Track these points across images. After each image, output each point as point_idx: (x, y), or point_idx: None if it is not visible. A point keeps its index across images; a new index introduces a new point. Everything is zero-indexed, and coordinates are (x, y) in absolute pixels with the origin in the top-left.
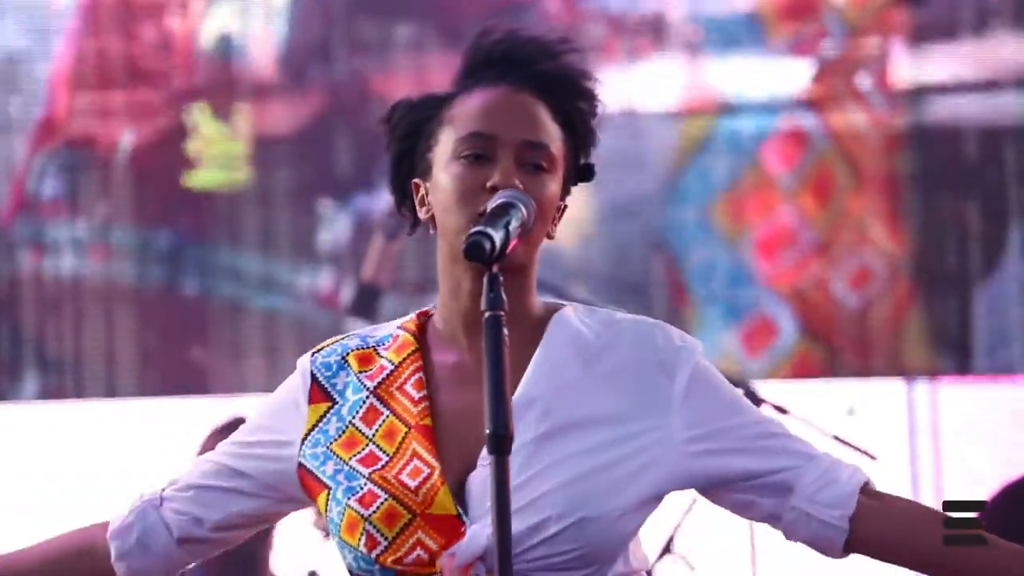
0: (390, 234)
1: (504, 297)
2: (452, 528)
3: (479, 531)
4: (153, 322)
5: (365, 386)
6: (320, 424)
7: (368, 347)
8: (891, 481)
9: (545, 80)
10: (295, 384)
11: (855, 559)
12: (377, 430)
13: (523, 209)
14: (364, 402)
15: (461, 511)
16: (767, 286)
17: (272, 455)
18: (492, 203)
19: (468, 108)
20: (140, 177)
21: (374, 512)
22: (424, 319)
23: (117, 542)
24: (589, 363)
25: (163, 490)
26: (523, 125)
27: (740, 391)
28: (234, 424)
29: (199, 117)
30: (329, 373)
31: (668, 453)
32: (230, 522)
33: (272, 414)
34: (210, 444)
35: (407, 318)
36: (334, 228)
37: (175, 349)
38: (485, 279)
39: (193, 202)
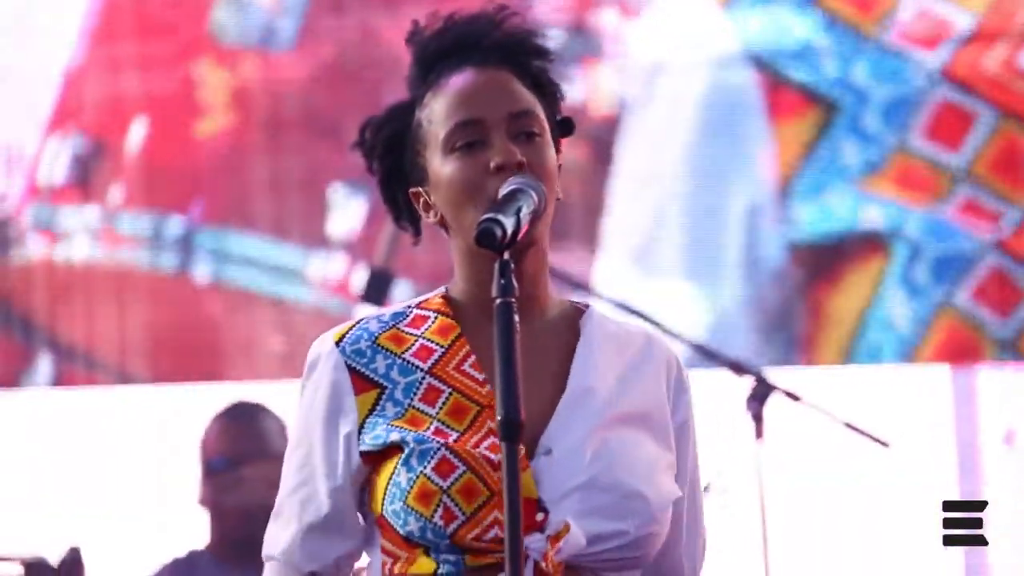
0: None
1: (515, 284)
2: (529, 511)
3: (556, 521)
4: (165, 308)
5: (416, 367)
6: (374, 412)
7: (390, 327)
8: None
9: (503, 50)
10: (334, 381)
11: (865, 557)
12: (441, 408)
13: (533, 194)
14: (421, 383)
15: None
16: None
17: (339, 452)
18: (502, 190)
19: (445, 100)
20: (152, 163)
21: (453, 484)
22: (448, 300)
23: None
24: (623, 362)
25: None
26: (503, 99)
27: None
28: (236, 408)
29: (207, 68)
30: (364, 360)
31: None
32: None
33: (328, 418)
34: (213, 429)
35: (424, 298)
36: (347, 213)
37: (187, 336)
38: (496, 265)
39: (206, 187)
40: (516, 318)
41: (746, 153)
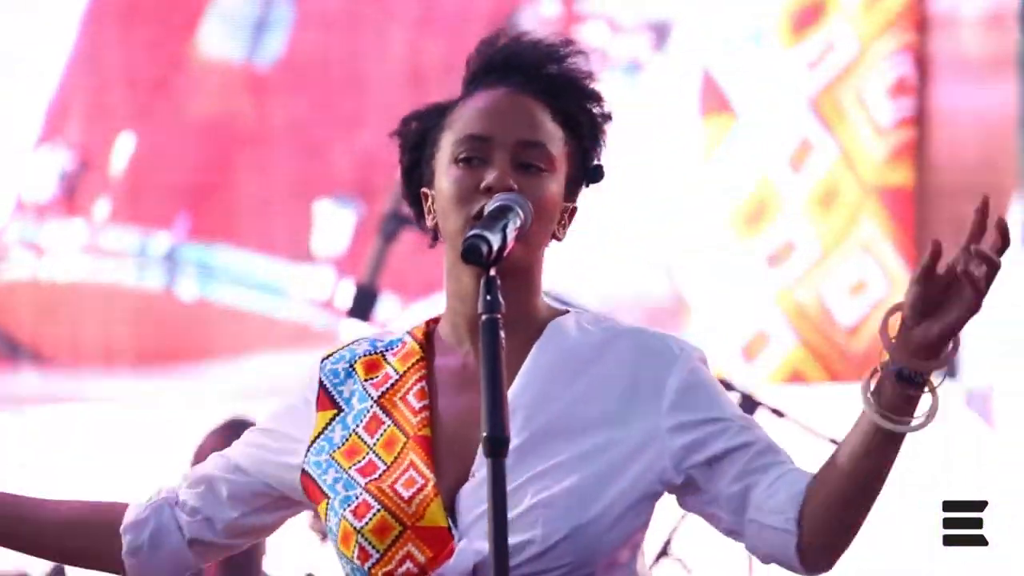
0: (388, 235)
1: (502, 300)
2: (442, 541)
3: (466, 548)
4: (150, 324)
5: (370, 395)
6: (325, 431)
7: (376, 352)
8: None
9: (545, 82)
10: (305, 388)
11: (856, 563)
12: (378, 439)
13: (520, 212)
14: (368, 411)
15: (452, 524)
16: None
17: (279, 452)
18: (489, 206)
19: (465, 112)
20: (137, 179)
21: (366, 524)
22: (432, 326)
23: (130, 536)
24: (580, 370)
25: (179, 487)
26: (518, 125)
27: (735, 397)
28: (230, 426)
29: (193, 84)
30: (337, 380)
31: (654, 444)
32: (239, 524)
33: (283, 416)
34: (206, 445)
35: (417, 324)
36: (333, 230)
37: (173, 350)
38: (482, 282)
39: (191, 202)
40: (502, 334)
41: None
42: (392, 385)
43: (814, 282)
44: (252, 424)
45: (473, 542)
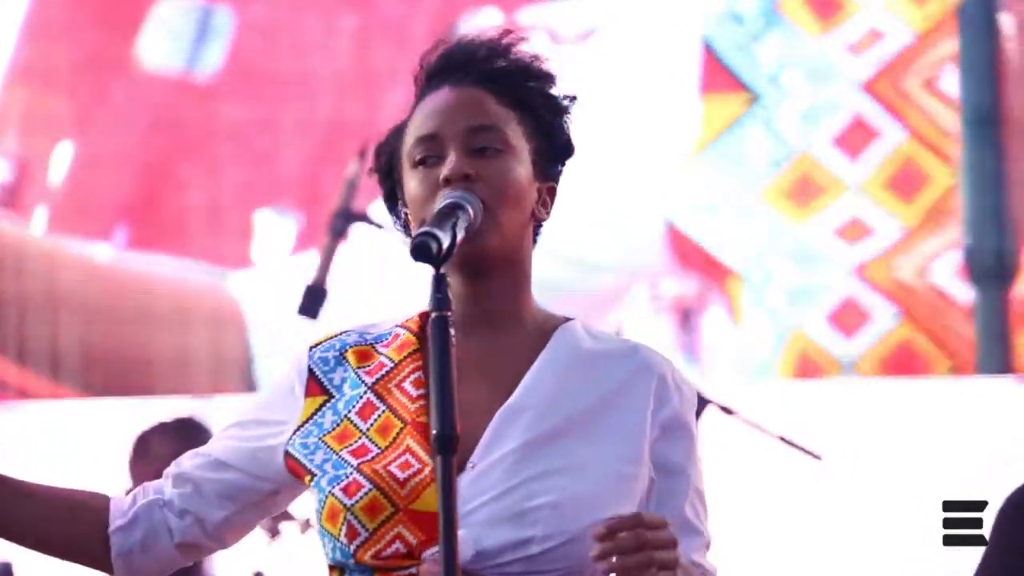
0: (337, 233)
1: (451, 297)
2: (434, 525)
3: (466, 538)
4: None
5: (363, 382)
6: (315, 416)
7: (366, 343)
8: None
9: (485, 72)
10: (291, 375)
11: (856, 563)
12: (372, 424)
13: (469, 209)
14: (361, 397)
15: None
16: None
17: (261, 438)
18: (437, 204)
19: (415, 119)
20: (77, 189)
21: (357, 502)
22: (426, 319)
23: (119, 537)
24: (595, 378)
25: (164, 486)
26: (463, 114)
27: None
28: (180, 425)
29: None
30: (327, 368)
31: (635, 460)
32: (229, 522)
33: (266, 403)
34: (151, 442)
35: (408, 316)
36: (273, 239)
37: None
38: (431, 280)
39: (131, 212)
40: (452, 332)
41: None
42: (387, 373)
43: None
44: (201, 425)
45: (472, 531)
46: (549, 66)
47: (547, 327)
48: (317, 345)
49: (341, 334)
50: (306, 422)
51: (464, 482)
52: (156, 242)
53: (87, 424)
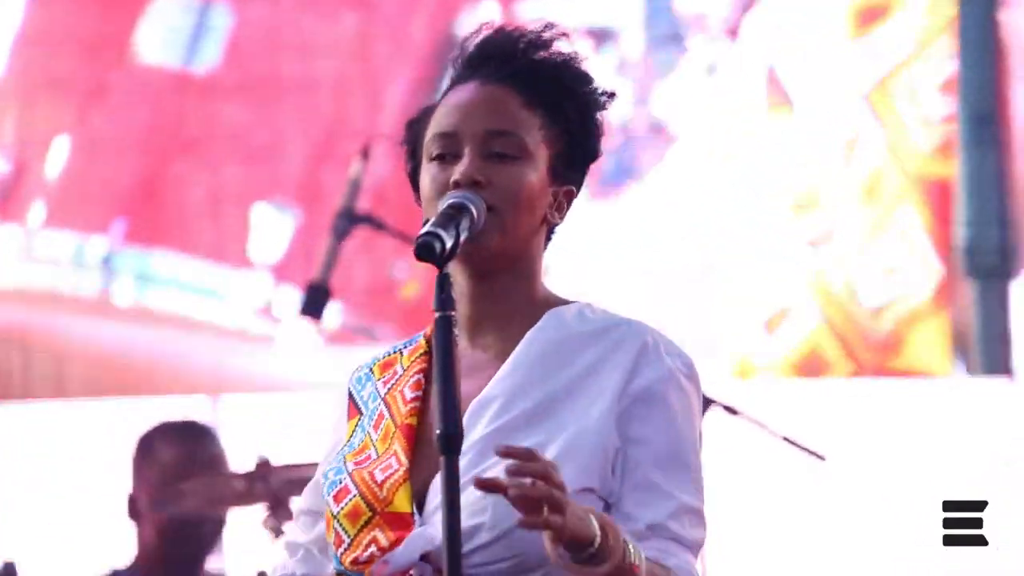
0: (340, 233)
1: (454, 297)
2: (405, 527)
3: (418, 535)
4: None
5: (379, 393)
6: (353, 437)
7: (394, 352)
8: None
9: (517, 69)
10: (339, 403)
11: (817, 560)
12: (379, 433)
13: (473, 210)
14: (377, 409)
15: (416, 511)
16: None
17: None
18: (442, 204)
19: (440, 110)
20: (73, 183)
21: (342, 509)
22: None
23: None
24: (568, 360)
25: (287, 560)
26: (485, 116)
27: (696, 436)
28: (185, 427)
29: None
30: (360, 387)
31: (599, 433)
32: None
33: (331, 438)
34: (155, 443)
35: None
36: (271, 235)
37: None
38: (436, 280)
39: (128, 207)
40: (455, 331)
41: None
42: (396, 380)
43: (848, 266)
44: (206, 427)
45: (427, 529)
46: (585, 66)
47: (541, 315)
48: (360, 366)
49: (386, 350)
50: (347, 444)
51: (436, 482)
52: (154, 236)
53: (90, 424)
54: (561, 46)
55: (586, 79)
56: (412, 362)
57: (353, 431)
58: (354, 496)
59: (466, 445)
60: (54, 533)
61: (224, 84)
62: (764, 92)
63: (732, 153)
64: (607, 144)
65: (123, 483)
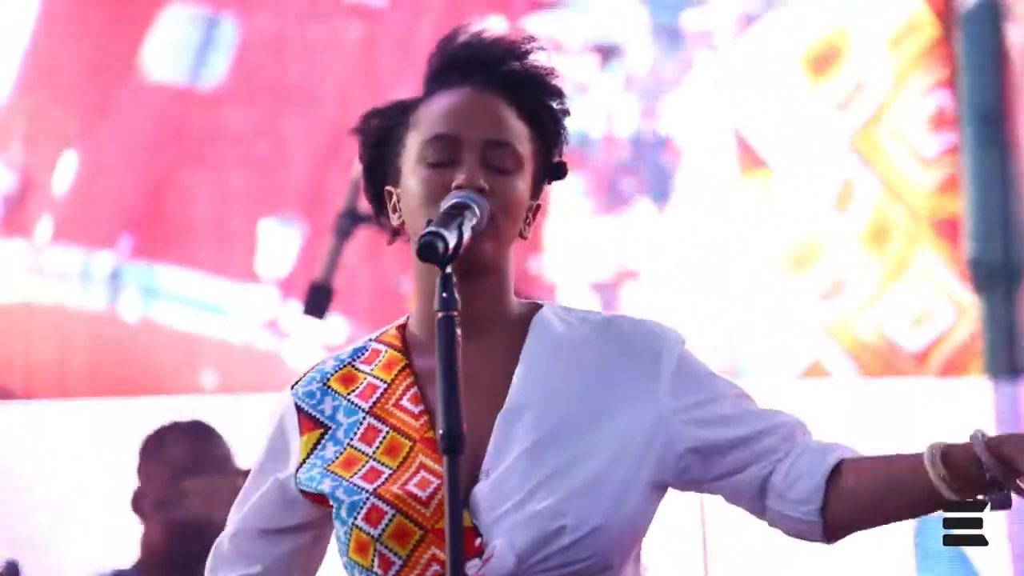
0: (343, 233)
1: (457, 297)
2: (466, 540)
3: (505, 549)
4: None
5: (359, 407)
6: (315, 451)
7: (345, 365)
8: None
9: (509, 79)
10: (280, 420)
11: (817, 557)
12: (378, 447)
13: (476, 210)
14: (361, 423)
15: (476, 523)
16: None
17: (276, 487)
18: (444, 204)
19: (432, 111)
20: (80, 198)
21: (383, 531)
22: (403, 331)
23: None
24: (574, 364)
25: None
26: (486, 125)
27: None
28: (192, 427)
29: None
30: (313, 401)
31: (661, 431)
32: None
33: (267, 456)
34: (174, 443)
35: (383, 331)
36: (278, 250)
37: (115, 370)
38: (438, 280)
39: (135, 222)
40: (458, 331)
41: None
42: (382, 394)
43: (873, 315)
44: (213, 427)
45: (505, 538)
46: (560, 82)
47: (524, 322)
48: (298, 383)
49: (317, 365)
50: (307, 458)
51: (485, 490)
52: (160, 251)
53: (94, 424)
54: (540, 58)
55: (561, 95)
56: (396, 376)
57: (316, 445)
58: (394, 515)
59: (514, 455)
60: (56, 532)
61: (230, 98)
62: (735, 157)
63: (707, 221)
64: (616, 156)
65: (125, 483)
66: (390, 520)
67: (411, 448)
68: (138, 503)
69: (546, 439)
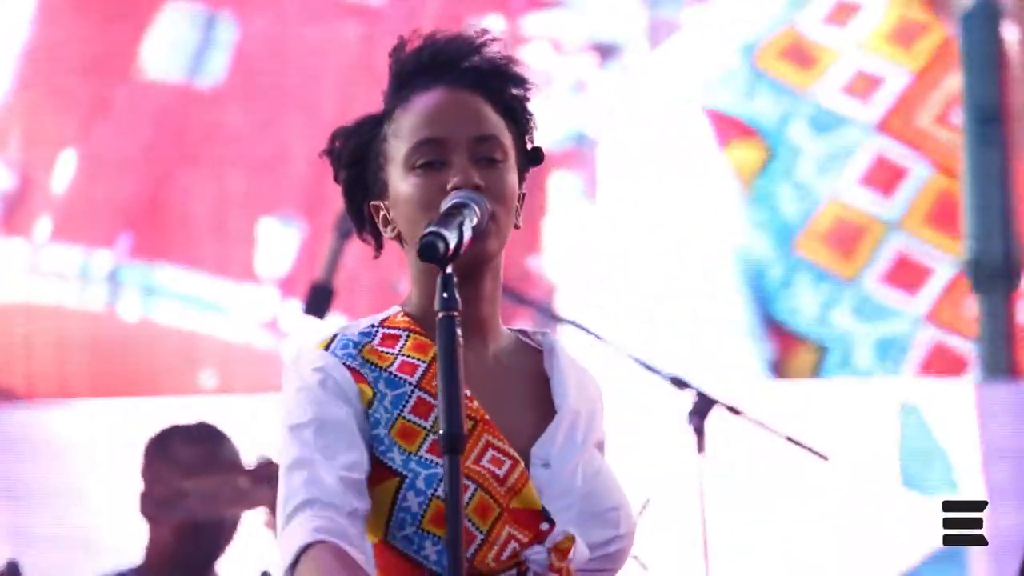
0: (344, 233)
1: (457, 297)
2: (534, 524)
3: (580, 543)
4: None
5: (404, 380)
6: (372, 407)
7: (365, 343)
8: None
9: (477, 74)
10: (325, 377)
11: (818, 557)
12: (434, 422)
13: (476, 209)
14: (411, 396)
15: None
16: None
17: (347, 415)
18: (444, 204)
19: (411, 117)
20: (79, 197)
21: (468, 503)
22: (412, 320)
23: None
24: (584, 393)
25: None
26: (469, 122)
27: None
28: (199, 428)
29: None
30: (354, 362)
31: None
32: None
33: (325, 405)
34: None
35: (384, 317)
36: (277, 249)
37: (114, 369)
38: (439, 280)
39: (134, 221)
40: (459, 332)
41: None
42: (426, 371)
43: None
44: (219, 429)
45: (576, 531)
46: (522, 70)
47: (517, 338)
48: (330, 344)
49: (337, 334)
50: (369, 408)
51: (546, 479)
52: (159, 251)
53: (93, 424)
54: (499, 48)
55: (526, 83)
56: (432, 358)
57: (371, 402)
58: (476, 490)
59: (572, 455)
60: (57, 532)
61: (229, 97)
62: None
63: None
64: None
65: (128, 483)
66: (472, 494)
67: (473, 427)
68: (145, 502)
69: (586, 447)
